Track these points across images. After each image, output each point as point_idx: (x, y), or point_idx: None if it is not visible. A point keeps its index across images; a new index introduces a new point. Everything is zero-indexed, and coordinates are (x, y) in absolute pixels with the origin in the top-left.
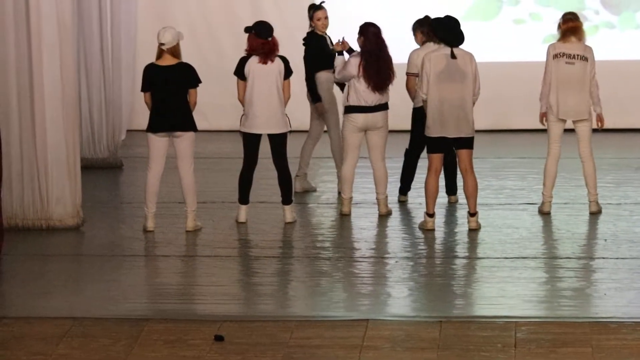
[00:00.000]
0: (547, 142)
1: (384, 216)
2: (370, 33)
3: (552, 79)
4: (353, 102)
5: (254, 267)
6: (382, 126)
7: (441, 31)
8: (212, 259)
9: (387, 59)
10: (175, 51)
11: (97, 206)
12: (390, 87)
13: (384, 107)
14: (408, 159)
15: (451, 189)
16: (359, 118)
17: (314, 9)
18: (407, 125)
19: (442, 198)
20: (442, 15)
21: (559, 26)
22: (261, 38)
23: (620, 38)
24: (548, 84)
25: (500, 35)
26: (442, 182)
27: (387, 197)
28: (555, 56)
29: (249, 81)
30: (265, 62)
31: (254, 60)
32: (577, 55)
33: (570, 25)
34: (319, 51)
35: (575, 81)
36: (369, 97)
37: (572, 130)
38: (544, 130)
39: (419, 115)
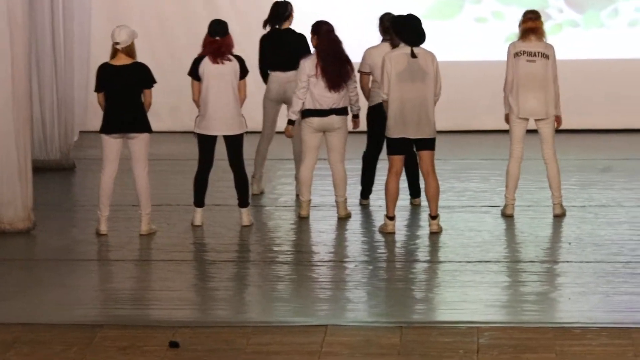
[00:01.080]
0: (510, 143)
1: (343, 219)
2: (323, 31)
3: (513, 78)
4: (308, 105)
5: (210, 271)
6: (339, 127)
7: (402, 30)
8: (167, 263)
9: (344, 57)
10: (130, 50)
11: (48, 209)
12: (352, 90)
13: (340, 111)
14: (366, 161)
15: (414, 192)
16: (315, 120)
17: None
18: (365, 126)
19: (404, 201)
20: (403, 14)
21: (520, 24)
22: (211, 37)
23: (584, 37)
24: (510, 83)
25: (462, 34)
26: (405, 184)
27: (346, 199)
28: (516, 54)
29: (203, 82)
30: (215, 62)
31: (208, 61)
32: (538, 52)
33: (530, 25)
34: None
35: (536, 79)
36: (324, 101)
37: (535, 131)
38: (508, 131)
39: (374, 115)
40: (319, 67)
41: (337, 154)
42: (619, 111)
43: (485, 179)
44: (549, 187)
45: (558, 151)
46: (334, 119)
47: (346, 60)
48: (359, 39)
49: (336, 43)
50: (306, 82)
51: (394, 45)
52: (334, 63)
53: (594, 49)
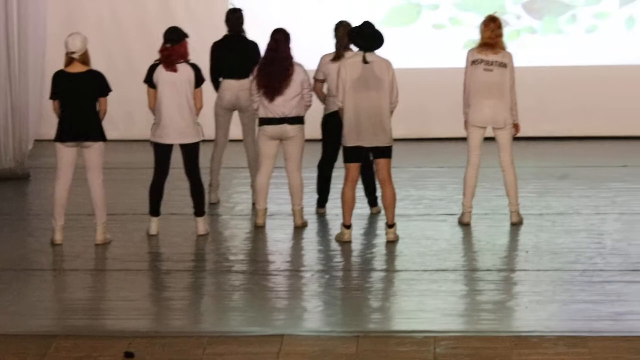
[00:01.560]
0: (467, 150)
1: (299, 228)
2: (270, 39)
3: (472, 86)
4: (262, 114)
5: (165, 281)
6: (294, 136)
7: (355, 36)
8: (123, 273)
9: (282, 63)
10: (85, 58)
11: (2, 218)
12: (306, 97)
13: (293, 120)
14: (321, 169)
15: (371, 200)
16: (269, 128)
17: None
18: (320, 134)
19: (362, 209)
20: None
21: (481, 30)
22: (164, 44)
23: (542, 43)
24: (467, 90)
25: (420, 40)
26: (362, 192)
27: (302, 208)
28: (474, 62)
29: (158, 89)
30: (167, 70)
31: (162, 68)
32: (496, 62)
33: (489, 35)
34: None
35: (493, 88)
36: (274, 109)
37: (492, 139)
38: (465, 139)
39: (329, 122)
40: (255, 74)
41: (293, 162)
42: (576, 118)
43: (442, 186)
44: (506, 195)
45: (515, 158)
46: (286, 127)
47: (285, 64)
48: (316, 47)
49: (278, 49)
50: (255, 91)
51: (337, 51)
52: (269, 68)
53: (551, 56)
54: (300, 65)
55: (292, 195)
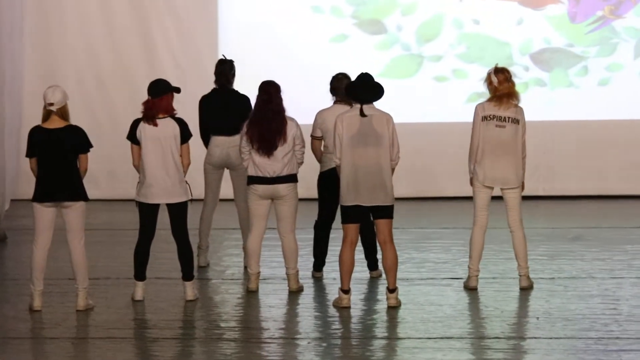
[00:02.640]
0: (473, 210)
1: (294, 293)
2: (260, 91)
3: (479, 143)
4: (251, 172)
5: (152, 349)
6: (286, 195)
7: (352, 89)
8: (106, 341)
9: (276, 116)
10: (64, 112)
11: None
12: (298, 155)
13: (285, 179)
14: (318, 231)
15: (371, 263)
16: (259, 187)
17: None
18: (317, 193)
19: (361, 273)
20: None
21: (490, 82)
22: (148, 97)
23: (552, 97)
24: (475, 148)
25: (421, 94)
26: (361, 255)
27: (298, 272)
28: (485, 118)
29: (142, 146)
30: (149, 124)
31: (145, 123)
32: (509, 118)
33: (505, 89)
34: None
35: (505, 146)
36: (265, 168)
37: (500, 198)
38: (470, 198)
39: (326, 180)
40: (248, 134)
41: (286, 223)
42: (589, 176)
43: (447, 249)
44: (515, 258)
45: (525, 219)
46: (279, 187)
47: (279, 117)
48: (311, 102)
49: (268, 103)
50: (246, 148)
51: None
52: (260, 124)
53: (561, 110)
54: (292, 120)
55: (286, 259)
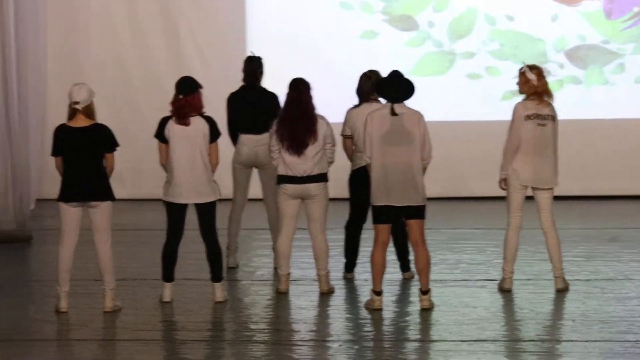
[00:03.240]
0: (507, 211)
1: (325, 294)
2: (290, 89)
3: (521, 142)
4: (281, 171)
5: (180, 351)
6: (316, 194)
7: (382, 87)
8: (134, 343)
9: (306, 114)
10: (89, 111)
11: (2, 285)
12: (329, 153)
13: (316, 178)
14: (349, 231)
15: (404, 265)
16: (289, 187)
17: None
18: (348, 192)
19: (393, 274)
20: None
21: (526, 81)
22: (176, 95)
23: (586, 95)
24: (514, 147)
25: (454, 91)
26: (394, 256)
27: (328, 273)
28: (528, 117)
29: (170, 144)
30: (179, 123)
31: (174, 122)
32: (548, 115)
33: (542, 84)
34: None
35: (545, 145)
36: (296, 167)
37: (531, 198)
38: (503, 198)
39: (357, 180)
40: (278, 132)
41: (317, 223)
42: (625, 175)
43: (481, 250)
44: (549, 259)
45: (560, 220)
46: (310, 186)
47: (309, 116)
48: (341, 99)
49: (298, 101)
50: (276, 146)
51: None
52: (290, 123)
53: (597, 108)
54: (323, 118)
55: (317, 259)
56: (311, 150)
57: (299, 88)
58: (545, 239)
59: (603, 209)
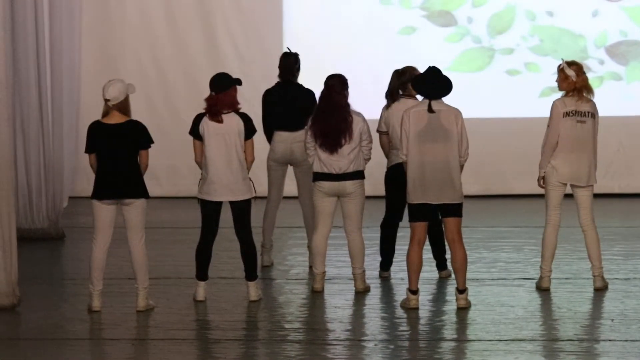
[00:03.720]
0: (546, 209)
1: (361, 293)
2: (324, 86)
3: (559, 140)
4: (317, 168)
5: (214, 351)
6: (352, 192)
7: (419, 83)
8: (167, 343)
9: (339, 111)
10: (123, 107)
11: (35, 283)
12: (365, 150)
13: (352, 176)
14: (385, 229)
15: (440, 263)
16: (325, 184)
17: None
18: (384, 190)
19: (430, 273)
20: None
21: (565, 77)
22: (211, 92)
23: (627, 91)
24: (553, 144)
25: (492, 87)
26: (430, 254)
27: (364, 271)
28: (567, 114)
29: (205, 142)
30: (213, 120)
31: (208, 118)
32: (588, 112)
33: (584, 80)
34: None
35: (584, 142)
36: (331, 164)
37: (570, 196)
38: (542, 196)
39: (393, 177)
40: (312, 129)
41: (352, 221)
42: None
43: (518, 248)
44: (588, 258)
45: (599, 217)
46: (346, 184)
47: (343, 113)
48: (379, 96)
49: (332, 98)
50: (311, 143)
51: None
52: (323, 119)
53: (637, 105)
54: (359, 114)
55: (353, 258)
56: (346, 147)
57: (333, 84)
58: (584, 237)
59: None
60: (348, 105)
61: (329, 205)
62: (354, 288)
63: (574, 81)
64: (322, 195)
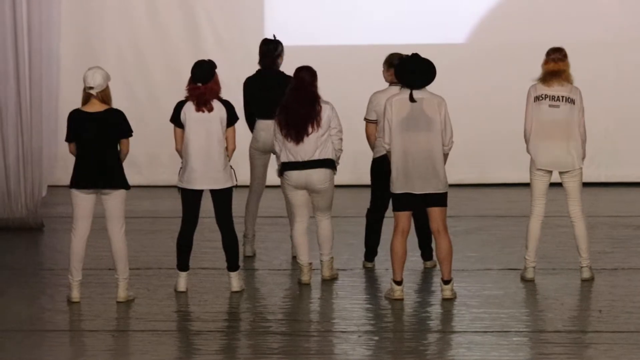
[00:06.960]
0: (530, 198)
1: (328, 280)
2: (293, 77)
3: (533, 125)
4: (284, 158)
5: (195, 342)
6: (321, 189)
7: (400, 71)
8: (147, 334)
9: (306, 101)
10: (104, 96)
11: (12, 274)
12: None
13: (319, 164)
14: (370, 219)
15: (425, 253)
16: (292, 175)
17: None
18: (369, 180)
19: (414, 263)
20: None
21: (543, 64)
22: (194, 82)
23: None
24: (529, 130)
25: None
26: (415, 245)
27: (332, 258)
28: (537, 98)
29: (186, 129)
30: (199, 110)
31: (190, 105)
32: (562, 97)
33: (552, 67)
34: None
35: (559, 127)
36: (299, 152)
37: (560, 185)
38: (528, 184)
39: (379, 167)
40: (278, 119)
41: (322, 210)
42: None
43: (504, 238)
44: (576, 248)
45: (587, 207)
46: (313, 175)
47: (310, 102)
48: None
49: (299, 89)
50: (278, 134)
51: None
52: (287, 109)
53: (624, 92)
54: (327, 103)
55: (321, 245)
56: (313, 136)
57: (302, 76)
58: (573, 227)
59: (632, 196)
60: (318, 96)
61: (300, 197)
62: (333, 279)
63: (543, 68)
64: (291, 188)
